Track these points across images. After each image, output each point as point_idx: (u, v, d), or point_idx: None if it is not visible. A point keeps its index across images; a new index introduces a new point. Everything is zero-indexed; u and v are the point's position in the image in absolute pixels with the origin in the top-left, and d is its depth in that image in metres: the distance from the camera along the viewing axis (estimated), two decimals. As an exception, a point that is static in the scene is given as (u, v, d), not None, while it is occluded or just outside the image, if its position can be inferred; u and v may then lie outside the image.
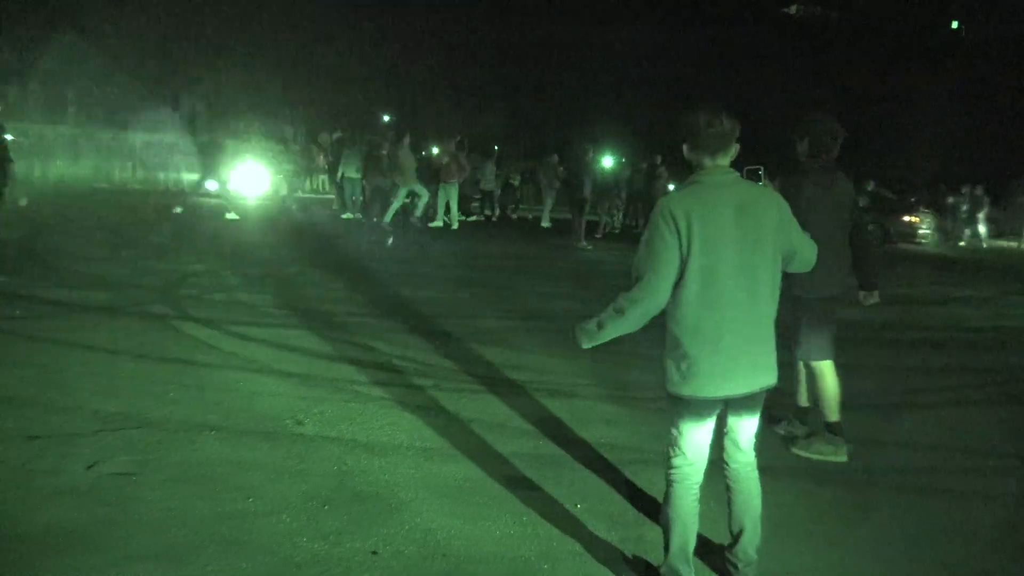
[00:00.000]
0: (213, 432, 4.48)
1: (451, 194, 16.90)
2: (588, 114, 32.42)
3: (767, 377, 3.02)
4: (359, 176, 17.42)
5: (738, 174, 2.98)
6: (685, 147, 2.98)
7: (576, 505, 3.88)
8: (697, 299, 2.84)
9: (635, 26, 36.32)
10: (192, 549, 3.23)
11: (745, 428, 3.11)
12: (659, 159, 19.32)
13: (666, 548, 3.09)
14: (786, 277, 3.13)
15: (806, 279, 4.29)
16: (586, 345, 3.06)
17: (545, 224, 18.88)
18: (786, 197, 3.15)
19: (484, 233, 17.11)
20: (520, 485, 4.09)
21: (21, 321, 6.62)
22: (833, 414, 4.70)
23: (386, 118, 39.28)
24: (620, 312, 2.91)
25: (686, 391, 2.93)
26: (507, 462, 4.37)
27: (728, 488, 3.19)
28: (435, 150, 18.29)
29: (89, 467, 3.91)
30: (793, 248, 3.05)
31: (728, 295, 2.86)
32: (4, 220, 11.43)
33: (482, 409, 5.21)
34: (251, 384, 5.40)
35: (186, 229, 13.72)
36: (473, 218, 19.78)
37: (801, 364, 4.86)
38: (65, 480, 3.77)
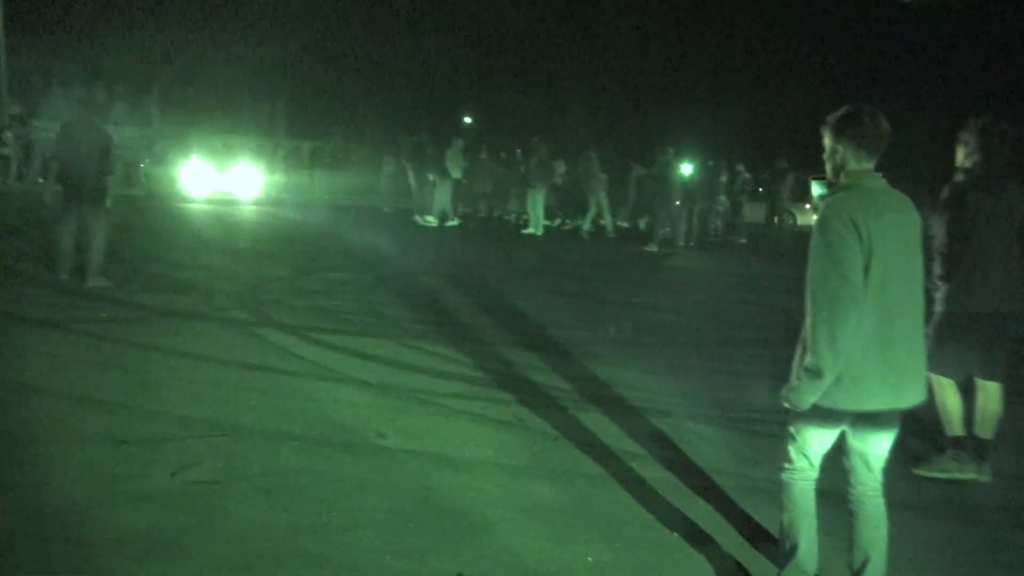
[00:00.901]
0: (295, 442, 4.59)
1: (538, 199, 16.96)
2: (679, 111, 32.04)
3: (923, 391, 2.98)
4: (433, 179, 17.83)
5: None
6: (841, 147, 2.93)
7: (672, 532, 3.82)
8: (872, 308, 2.79)
9: (732, 15, 35.65)
10: (274, 561, 3.31)
11: (881, 446, 3.02)
12: (784, 162, 19.00)
13: (790, 553, 3.07)
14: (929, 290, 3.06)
15: (957, 291, 4.16)
16: (810, 402, 2.88)
17: (609, 230, 18.37)
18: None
19: (568, 239, 17.08)
20: (613, 508, 4.05)
21: (108, 324, 6.94)
22: (955, 427, 4.55)
23: (467, 119, 39.79)
24: (832, 340, 2.77)
25: (847, 404, 2.87)
26: (599, 483, 4.34)
27: (852, 515, 3.08)
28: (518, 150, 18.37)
29: (174, 473, 4.06)
30: None
31: (897, 304, 2.85)
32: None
33: (571, 426, 5.19)
34: (332, 393, 5.52)
35: (265, 232, 14.15)
36: (559, 223, 19.76)
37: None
38: (151, 485, 3.92)
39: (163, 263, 10.47)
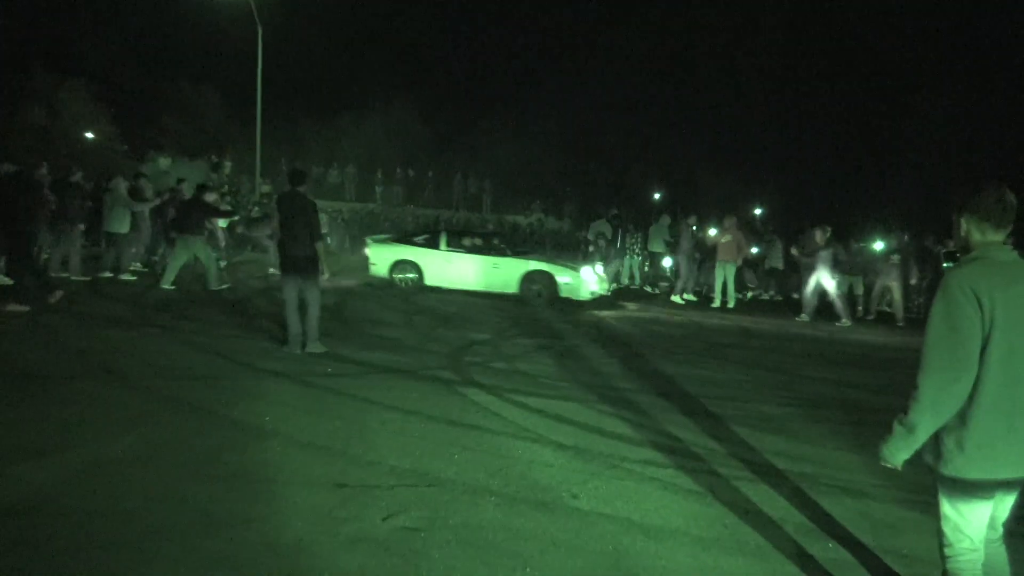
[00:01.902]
0: (493, 497, 4.67)
1: (729, 273, 16.56)
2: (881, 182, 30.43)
3: None
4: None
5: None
6: (965, 221, 2.92)
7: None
8: (996, 377, 2.76)
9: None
10: (473, 611, 3.35)
11: (1006, 509, 3.01)
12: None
13: None
14: None
15: None
16: (902, 458, 2.92)
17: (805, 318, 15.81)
18: None
19: (758, 312, 16.45)
20: (807, 589, 3.79)
21: (332, 378, 7.43)
22: None
23: (656, 195, 39.79)
24: (936, 404, 2.78)
25: (974, 474, 2.82)
26: (790, 563, 4.09)
27: None
28: (712, 231, 17.93)
29: (385, 519, 4.24)
30: None
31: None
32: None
33: (762, 501, 4.94)
34: (528, 453, 5.57)
35: (467, 299, 14.67)
36: (750, 295, 19.15)
37: None
38: (364, 528, 4.12)
39: (379, 324, 11.10)
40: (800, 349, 11.74)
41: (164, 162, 28.61)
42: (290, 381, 7.17)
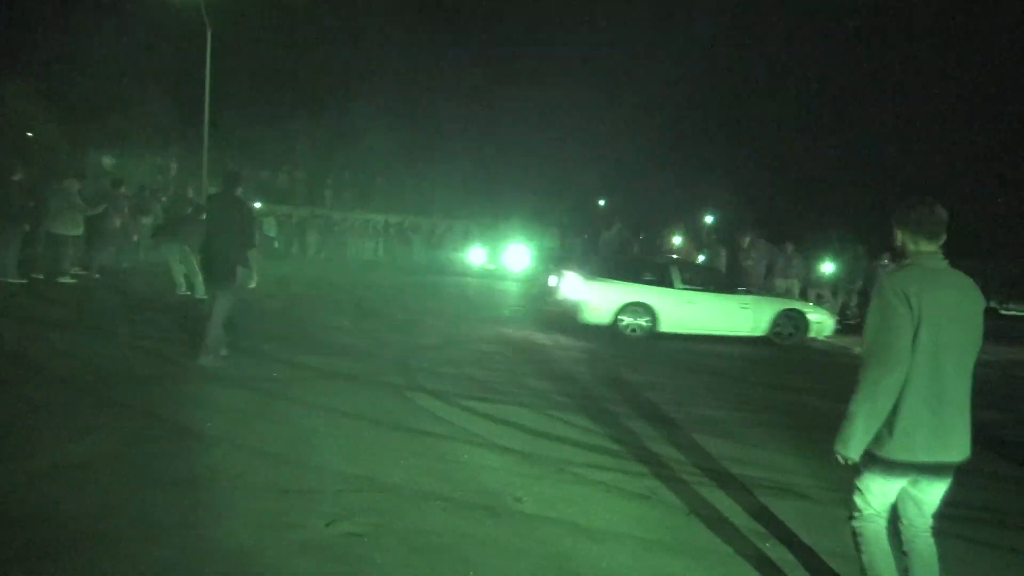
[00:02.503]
0: (439, 501, 4.65)
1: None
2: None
3: (967, 448, 3.17)
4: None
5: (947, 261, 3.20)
6: (900, 232, 3.23)
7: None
8: (923, 370, 3.03)
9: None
10: (417, 615, 3.33)
11: (935, 495, 3.24)
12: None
13: None
14: None
15: None
16: (856, 451, 3.13)
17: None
18: None
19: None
20: (746, 589, 3.86)
21: (279, 383, 7.32)
22: None
23: (601, 202, 40.14)
24: (873, 394, 3.04)
25: (900, 455, 3.08)
26: (731, 562, 4.16)
27: (905, 555, 3.29)
28: (677, 239, 18.09)
29: (328, 524, 4.19)
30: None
31: (950, 368, 3.07)
32: (266, 292, 12.75)
33: (705, 502, 5.02)
34: (475, 457, 5.57)
35: (422, 303, 14.62)
36: None
37: None
38: (308, 535, 4.06)
39: (328, 329, 10.99)
40: (744, 354, 11.95)
41: (108, 162, 27.93)
42: (237, 386, 7.05)
